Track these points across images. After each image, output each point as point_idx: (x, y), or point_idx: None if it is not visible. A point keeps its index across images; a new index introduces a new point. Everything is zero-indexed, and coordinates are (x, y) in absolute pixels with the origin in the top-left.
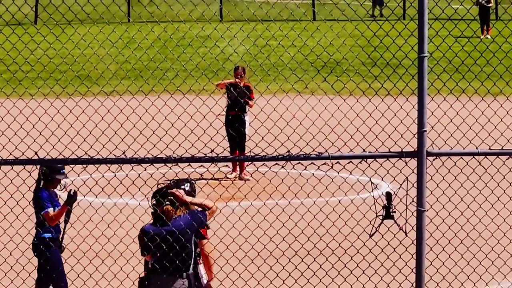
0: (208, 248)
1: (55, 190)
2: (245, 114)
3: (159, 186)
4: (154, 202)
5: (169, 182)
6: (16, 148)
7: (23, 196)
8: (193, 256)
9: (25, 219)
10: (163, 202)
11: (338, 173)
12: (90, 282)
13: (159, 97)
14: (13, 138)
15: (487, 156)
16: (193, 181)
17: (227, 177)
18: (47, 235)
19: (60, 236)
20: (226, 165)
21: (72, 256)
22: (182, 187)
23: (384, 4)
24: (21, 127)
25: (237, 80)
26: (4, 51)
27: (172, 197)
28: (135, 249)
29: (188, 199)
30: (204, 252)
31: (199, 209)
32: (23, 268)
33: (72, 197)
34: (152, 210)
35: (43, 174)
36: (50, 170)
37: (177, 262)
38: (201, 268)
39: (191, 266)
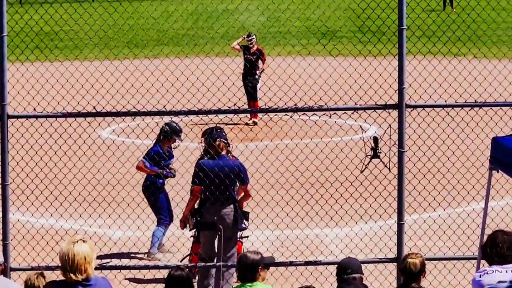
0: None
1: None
2: (257, 71)
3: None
4: (206, 138)
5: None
6: (68, 103)
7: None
8: (236, 190)
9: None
10: (216, 139)
11: (335, 121)
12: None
13: (192, 62)
14: (77, 94)
15: (454, 108)
16: (222, 128)
17: (247, 123)
18: (155, 179)
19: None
20: (246, 115)
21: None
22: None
23: None
24: (82, 86)
25: (244, 37)
26: (68, 26)
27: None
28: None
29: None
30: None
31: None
32: (138, 205)
33: (170, 175)
34: (204, 147)
35: (164, 132)
36: (172, 131)
37: (227, 193)
38: None
39: (235, 196)
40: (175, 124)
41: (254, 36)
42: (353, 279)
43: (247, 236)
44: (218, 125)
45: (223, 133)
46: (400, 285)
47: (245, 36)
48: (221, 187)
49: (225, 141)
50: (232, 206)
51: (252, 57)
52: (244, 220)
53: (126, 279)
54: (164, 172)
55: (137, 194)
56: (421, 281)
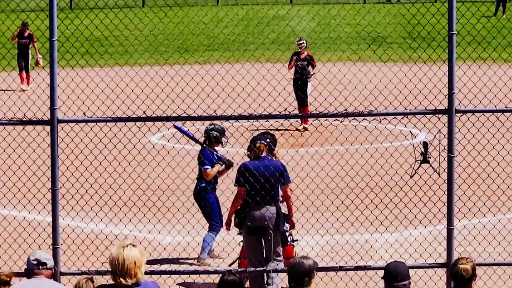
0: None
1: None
2: (308, 77)
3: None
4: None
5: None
6: (118, 107)
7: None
8: (279, 190)
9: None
10: (256, 141)
11: (385, 126)
12: None
13: (242, 67)
14: (127, 99)
15: (504, 113)
16: (273, 133)
17: (297, 129)
18: (206, 185)
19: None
20: (296, 120)
21: None
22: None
23: None
24: (132, 91)
25: (296, 47)
26: (118, 31)
27: (268, 139)
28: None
29: None
30: (287, 194)
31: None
32: (188, 210)
33: (229, 165)
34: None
35: (214, 137)
36: (219, 133)
37: (272, 192)
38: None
39: (279, 197)
40: (218, 126)
41: (304, 42)
42: (403, 286)
43: (297, 240)
44: (268, 130)
45: (264, 136)
46: None
47: (295, 42)
48: (266, 186)
49: (265, 143)
50: (275, 207)
51: (302, 62)
52: (286, 223)
53: (176, 284)
54: (225, 159)
55: (187, 199)
56: (472, 287)
